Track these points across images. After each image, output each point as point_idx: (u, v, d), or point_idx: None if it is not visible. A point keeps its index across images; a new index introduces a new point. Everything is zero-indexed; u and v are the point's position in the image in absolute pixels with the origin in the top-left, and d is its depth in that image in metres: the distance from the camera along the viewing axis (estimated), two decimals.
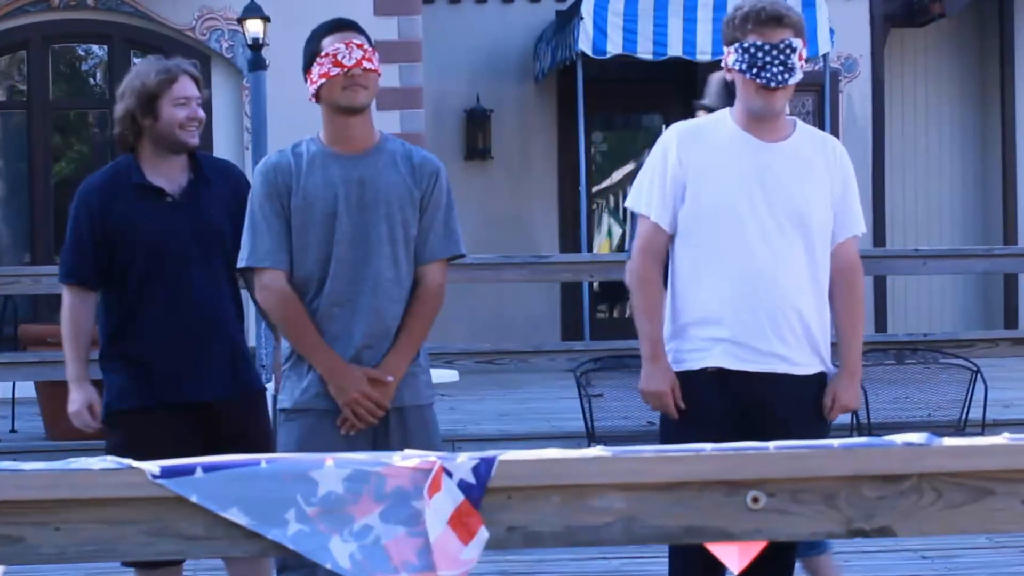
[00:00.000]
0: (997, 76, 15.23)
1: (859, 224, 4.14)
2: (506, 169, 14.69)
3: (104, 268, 4.32)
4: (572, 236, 14.33)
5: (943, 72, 15.55)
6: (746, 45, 3.95)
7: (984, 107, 15.41)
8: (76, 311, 4.36)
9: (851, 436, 7.54)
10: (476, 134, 14.61)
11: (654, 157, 4.09)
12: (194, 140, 4.34)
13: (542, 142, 14.84)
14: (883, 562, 5.74)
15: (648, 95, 14.89)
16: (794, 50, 3.95)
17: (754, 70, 3.94)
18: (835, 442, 2.21)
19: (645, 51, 12.88)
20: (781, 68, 3.94)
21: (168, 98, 4.29)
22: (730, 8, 4.13)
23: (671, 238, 4.06)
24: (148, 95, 4.29)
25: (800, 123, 4.12)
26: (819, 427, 4.01)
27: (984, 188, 15.27)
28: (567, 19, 13.60)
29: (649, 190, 4.06)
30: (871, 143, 14.77)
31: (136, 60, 13.07)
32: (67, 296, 4.38)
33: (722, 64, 4.08)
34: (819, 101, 14.12)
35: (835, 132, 14.14)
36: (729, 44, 4.01)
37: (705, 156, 4.01)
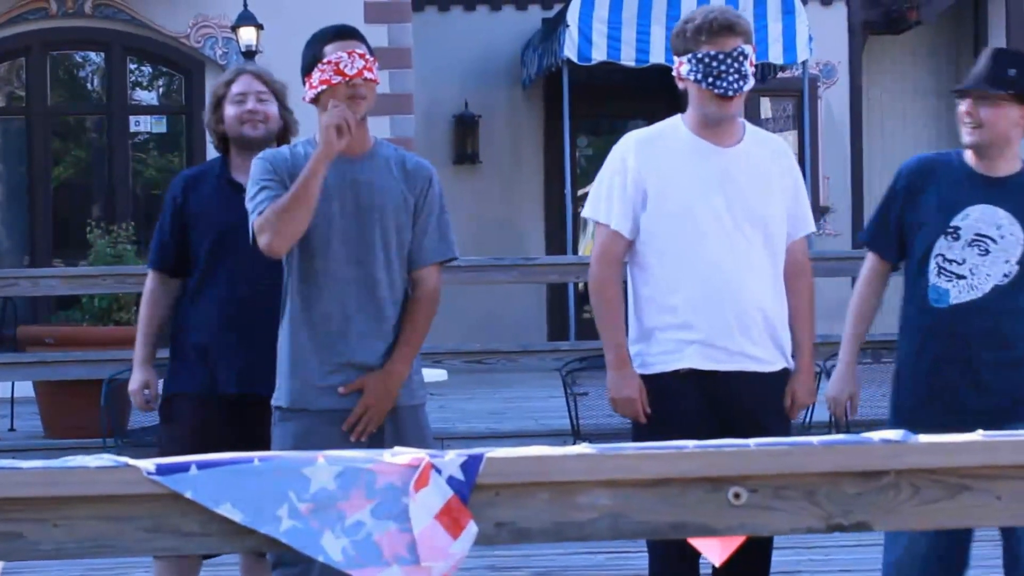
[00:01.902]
0: None
1: (810, 224, 4.15)
2: (494, 173, 14.69)
3: (183, 256, 4.41)
4: (558, 238, 14.33)
5: (920, 78, 15.59)
6: (700, 55, 3.94)
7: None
8: (153, 295, 4.48)
9: (830, 433, 7.52)
10: (465, 139, 14.62)
11: (611, 166, 4.06)
12: (254, 132, 4.40)
13: (529, 146, 14.85)
14: (862, 556, 5.74)
15: (632, 100, 14.90)
16: (746, 57, 3.96)
17: (710, 79, 3.94)
18: (815, 439, 2.22)
19: (628, 58, 12.90)
20: (736, 76, 3.94)
21: (228, 99, 4.43)
22: (681, 19, 4.12)
23: (630, 244, 4.04)
24: (216, 100, 4.46)
25: (749, 125, 4.13)
26: (787, 422, 4.04)
27: None
28: (553, 27, 13.61)
29: (608, 198, 4.04)
30: (849, 147, 14.79)
31: (132, 66, 13.06)
32: (148, 280, 4.52)
33: (673, 74, 4.07)
34: (798, 106, 14.14)
35: (814, 136, 14.17)
36: (681, 55, 4.00)
37: (665, 163, 4.01)
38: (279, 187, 3.88)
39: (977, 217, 3.98)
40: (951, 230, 4.01)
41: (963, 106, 4.01)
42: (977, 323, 3.97)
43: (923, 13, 14.74)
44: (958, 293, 4.00)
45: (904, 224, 4.12)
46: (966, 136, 4.01)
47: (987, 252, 3.98)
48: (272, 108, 4.44)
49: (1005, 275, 3.97)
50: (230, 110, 4.43)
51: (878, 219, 4.21)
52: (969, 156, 4.06)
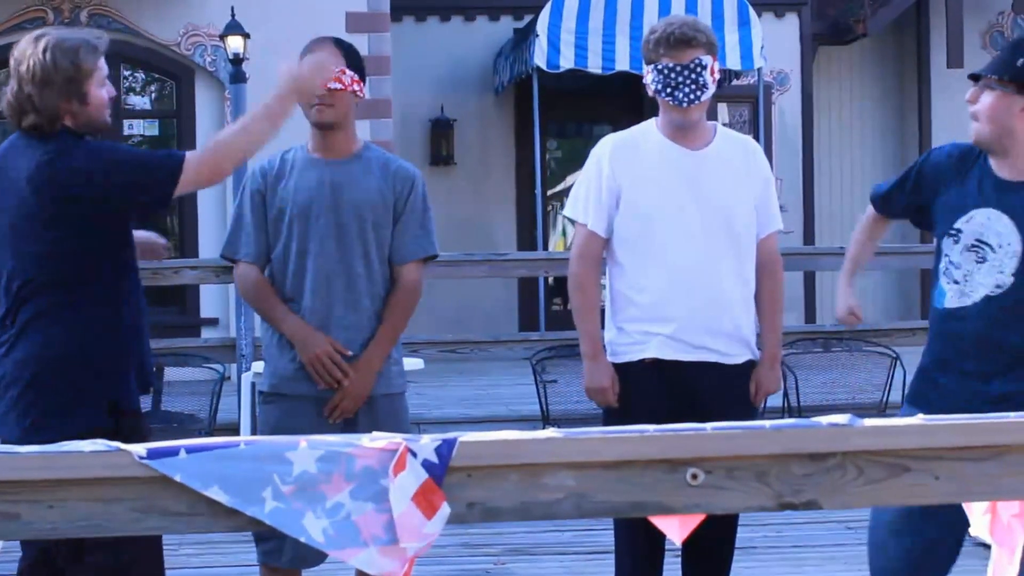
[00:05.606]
0: (915, 89, 15.34)
1: (778, 221, 4.15)
2: (468, 174, 14.68)
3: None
4: (529, 235, 14.33)
5: (866, 85, 15.66)
6: (660, 67, 3.94)
7: (903, 117, 15.51)
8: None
9: (781, 417, 7.56)
10: (440, 142, 14.60)
11: (589, 168, 4.07)
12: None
13: (501, 149, 14.84)
14: (811, 532, 5.78)
15: (598, 106, 14.92)
16: (705, 67, 3.93)
17: (668, 90, 3.93)
18: (766, 423, 2.22)
19: (595, 66, 12.90)
20: (693, 87, 3.92)
21: (96, 80, 3.48)
22: (646, 29, 4.13)
23: (607, 242, 4.05)
24: (80, 76, 3.44)
25: (720, 128, 4.12)
26: (749, 410, 4.03)
27: None
28: (524, 36, 13.61)
29: (585, 199, 4.05)
30: (801, 150, 14.84)
31: (126, 73, 12.97)
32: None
33: (643, 81, 4.08)
34: (754, 111, 14.17)
35: (768, 140, 14.20)
36: (648, 64, 4.01)
37: (637, 166, 4.01)
38: (255, 216, 3.97)
39: (980, 222, 3.54)
40: (953, 232, 3.59)
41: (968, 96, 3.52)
42: (967, 330, 3.55)
43: (869, 26, 14.81)
44: (951, 298, 3.58)
45: (911, 208, 3.78)
46: (972, 132, 3.55)
47: (983, 260, 3.54)
48: None
49: (997, 286, 3.52)
50: (102, 93, 3.48)
51: (892, 187, 3.87)
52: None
